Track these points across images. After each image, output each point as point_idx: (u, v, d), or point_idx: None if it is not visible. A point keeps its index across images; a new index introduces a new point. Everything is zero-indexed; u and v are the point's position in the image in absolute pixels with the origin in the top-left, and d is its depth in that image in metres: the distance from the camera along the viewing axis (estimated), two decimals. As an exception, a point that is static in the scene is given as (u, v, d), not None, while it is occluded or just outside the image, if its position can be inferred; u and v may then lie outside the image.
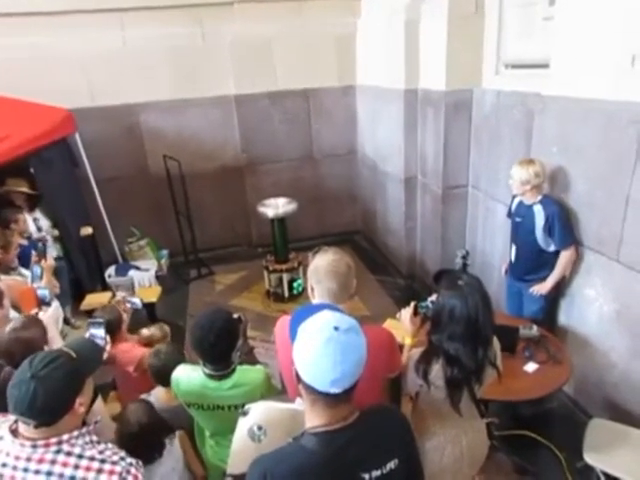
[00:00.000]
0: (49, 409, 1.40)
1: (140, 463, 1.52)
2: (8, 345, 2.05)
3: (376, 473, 1.25)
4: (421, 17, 4.45)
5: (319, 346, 1.15)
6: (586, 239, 3.09)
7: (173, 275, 6.01)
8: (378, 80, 5.46)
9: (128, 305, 3.21)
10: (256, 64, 5.83)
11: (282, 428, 1.53)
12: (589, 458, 2.53)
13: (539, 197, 3.15)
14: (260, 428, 1.59)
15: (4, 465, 1.42)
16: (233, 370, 2.00)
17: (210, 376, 1.98)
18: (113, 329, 2.75)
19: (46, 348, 2.07)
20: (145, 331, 3.27)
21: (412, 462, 1.37)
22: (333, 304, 1.69)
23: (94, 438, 1.50)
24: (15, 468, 1.40)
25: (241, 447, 1.63)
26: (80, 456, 1.42)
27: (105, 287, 5.24)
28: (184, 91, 5.77)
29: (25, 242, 4.06)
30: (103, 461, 1.42)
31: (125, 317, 3.01)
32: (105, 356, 2.45)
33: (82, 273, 5.03)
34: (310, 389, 1.19)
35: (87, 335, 2.39)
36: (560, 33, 3.07)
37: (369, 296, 5.09)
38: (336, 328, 1.16)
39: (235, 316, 2.13)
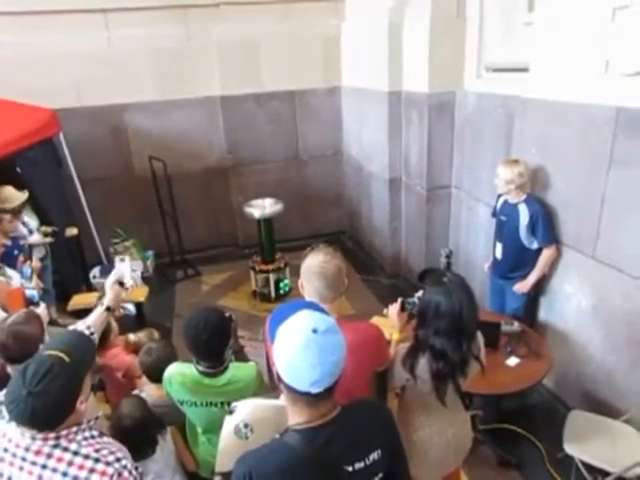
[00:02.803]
0: (51, 420, 1.41)
1: (139, 469, 1.52)
2: (6, 338, 2.04)
3: (359, 465, 1.28)
4: (404, 20, 4.53)
5: (298, 349, 1.16)
6: (564, 237, 3.19)
7: (159, 276, 5.99)
8: (363, 82, 5.53)
9: (121, 310, 3.17)
10: (242, 65, 5.85)
11: (268, 424, 1.55)
12: (569, 448, 2.62)
13: (523, 196, 3.24)
14: (247, 425, 1.62)
15: (5, 450, 1.44)
16: (226, 367, 2.04)
17: (204, 373, 2.01)
18: (102, 337, 2.71)
19: (41, 347, 2.07)
20: (132, 336, 3.20)
21: (395, 452, 1.40)
22: (313, 302, 1.73)
23: (94, 433, 1.50)
24: (14, 455, 1.43)
25: (228, 445, 1.66)
26: (75, 453, 1.43)
27: (90, 288, 5.21)
28: (170, 92, 5.76)
29: (9, 242, 4.02)
30: (97, 460, 1.42)
31: (115, 325, 2.96)
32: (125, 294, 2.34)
33: (67, 274, 4.99)
34: (291, 389, 1.22)
35: (115, 270, 2.30)
36: (539, 38, 3.17)
37: (355, 295, 5.14)
38: (314, 330, 1.17)
39: (226, 315, 2.18)
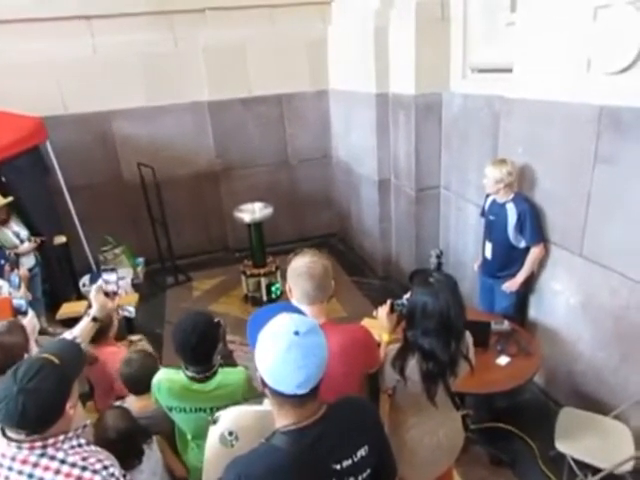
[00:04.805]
0: (41, 420, 1.40)
1: (127, 477, 1.51)
2: None
3: (347, 462, 1.28)
4: (390, 23, 4.56)
5: (281, 353, 1.16)
6: (552, 235, 3.21)
7: (150, 282, 5.96)
8: (350, 85, 5.54)
9: (120, 312, 3.18)
10: (229, 70, 5.85)
11: (253, 430, 1.53)
12: (560, 446, 2.63)
13: (511, 195, 3.27)
14: (231, 433, 1.60)
15: None
16: (215, 372, 2.03)
17: (192, 379, 2.00)
18: (101, 332, 2.65)
19: (26, 356, 2.05)
20: (134, 338, 3.24)
21: (382, 447, 1.41)
22: (291, 305, 1.73)
23: (82, 441, 1.49)
24: (0, 465, 1.41)
25: (214, 454, 1.63)
26: (62, 461, 1.41)
27: (80, 296, 5.16)
28: (157, 98, 5.74)
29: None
30: (84, 468, 1.42)
31: (116, 323, 2.94)
32: (111, 304, 2.33)
33: (56, 283, 4.95)
34: (276, 393, 1.21)
35: (100, 281, 2.32)
36: (521, 38, 3.19)
37: (346, 297, 5.15)
38: (296, 333, 1.17)
39: (215, 320, 2.17)
